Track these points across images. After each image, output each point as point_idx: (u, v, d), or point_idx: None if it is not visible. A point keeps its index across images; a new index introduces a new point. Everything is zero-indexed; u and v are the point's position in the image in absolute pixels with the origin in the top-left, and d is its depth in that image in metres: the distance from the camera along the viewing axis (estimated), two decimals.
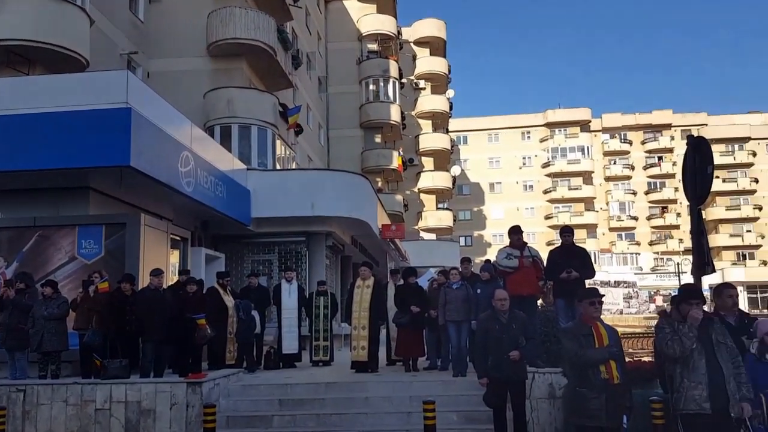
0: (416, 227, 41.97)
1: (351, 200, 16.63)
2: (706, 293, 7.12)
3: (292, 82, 23.23)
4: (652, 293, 55.50)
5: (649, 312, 47.48)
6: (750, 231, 62.57)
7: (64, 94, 10.17)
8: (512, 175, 65.96)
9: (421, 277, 14.30)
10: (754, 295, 54.40)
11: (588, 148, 64.82)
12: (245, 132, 18.95)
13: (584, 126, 65.53)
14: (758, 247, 62.19)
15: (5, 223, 10.47)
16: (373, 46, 36.44)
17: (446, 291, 9.84)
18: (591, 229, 62.89)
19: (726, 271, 52.84)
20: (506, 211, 63.27)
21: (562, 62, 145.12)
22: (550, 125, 65.87)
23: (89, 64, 14.11)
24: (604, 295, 6.13)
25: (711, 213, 59.95)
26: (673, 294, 9.06)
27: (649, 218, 66.29)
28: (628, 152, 67.43)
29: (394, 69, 36.01)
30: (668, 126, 66.79)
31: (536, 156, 66.11)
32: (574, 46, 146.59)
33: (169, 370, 9.47)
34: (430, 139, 43.72)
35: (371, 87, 35.38)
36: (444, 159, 45.48)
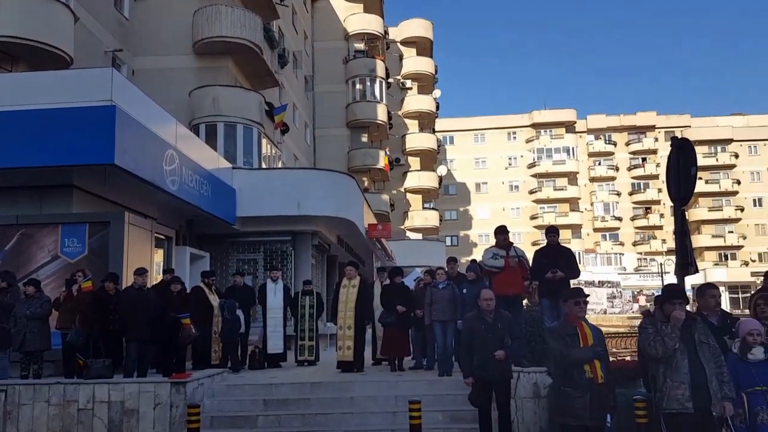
0: (402, 227, 42.01)
1: (337, 200, 16.61)
2: (689, 293, 7.19)
3: (278, 81, 23.16)
4: (636, 293, 55.95)
5: (633, 312, 47.83)
6: (732, 232, 63.31)
7: (47, 91, 10.08)
8: (498, 176, 66.28)
9: (407, 276, 14.34)
10: (736, 296, 55.01)
11: (573, 149, 65.29)
12: (231, 130, 18.85)
13: (569, 127, 65.99)
14: (740, 247, 62.95)
15: None
16: (360, 46, 36.43)
17: (432, 291, 9.85)
18: (576, 229, 63.38)
19: (708, 271, 53.41)
20: (492, 211, 63.54)
21: (547, 63, 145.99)
22: (535, 126, 66.26)
23: (73, 62, 13.98)
24: (588, 295, 6.17)
25: (694, 214, 60.56)
26: (656, 294, 9.16)
27: (632, 219, 66.88)
28: (612, 153, 67.98)
29: (380, 69, 36.01)
30: (652, 127, 67.43)
31: (522, 156, 66.47)
32: (560, 47, 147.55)
33: (152, 370, 9.41)
34: (417, 139, 43.78)
35: (358, 86, 35.36)
36: (430, 159, 45.57)
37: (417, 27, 44.85)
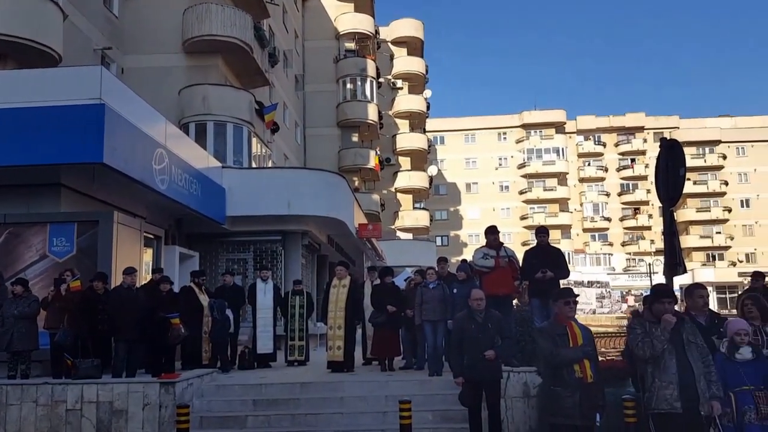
0: (393, 227, 42.03)
1: (328, 199, 16.59)
2: (677, 293, 7.23)
3: (268, 80, 23.11)
4: (624, 293, 56.25)
5: (621, 312, 48.09)
6: (720, 232, 63.78)
7: (36, 90, 9.99)
8: (488, 176, 66.45)
9: (397, 276, 14.33)
10: (723, 296, 55.41)
11: (563, 149, 65.56)
12: (221, 129, 18.78)
13: (559, 128, 66.26)
14: (727, 248, 63.43)
15: None
16: (351, 45, 36.40)
17: (423, 291, 9.86)
18: (565, 229, 63.64)
19: (696, 271, 53.79)
20: (482, 211, 63.69)
21: (537, 65, 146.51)
22: (525, 126, 66.47)
23: (62, 60, 13.88)
24: (578, 295, 6.20)
25: (682, 215, 60.94)
26: (644, 294, 9.21)
27: (621, 219, 67.24)
28: (601, 154, 68.29)
29: (371, 68, 36.00)
30: (641, 129, 67.78)
31: (512, 157, 66.68)
32: (550, 49, 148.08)
33: (141, 370, 9.36)
34: (407, 139, 43.82)
35: (348, 86, 35.33)
36: (421, 159, 45.62)
37: (408, 27, 44.90)
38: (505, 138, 67.40)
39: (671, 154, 7.31)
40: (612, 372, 7.32)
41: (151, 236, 12.60)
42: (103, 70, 10.45)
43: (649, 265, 52.81)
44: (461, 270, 9.96)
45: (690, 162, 55.30)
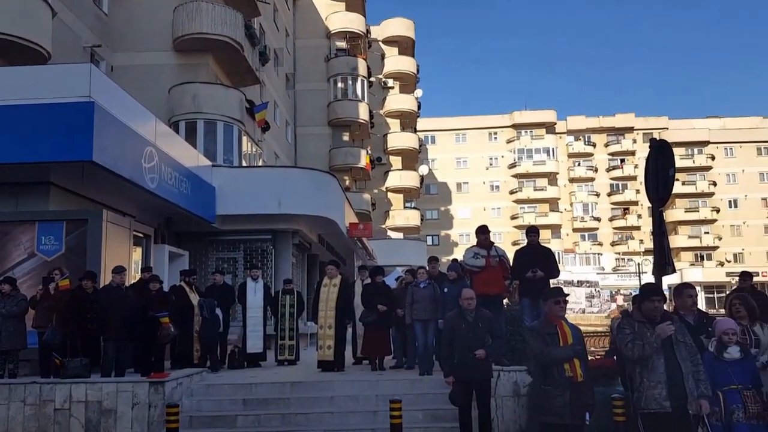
0: (384, 226, 42.04)
1: (318, 198, 16.56)
2: (666, 293, 7.26)
3: (259, 79, 23.04)
4: (614, 293, 56.56)
5: (610, 310, 48.37)
6: (708, 233, 64.21)
7: (24, 87, 9.90)
8: (479, 176, 66.58)
9: (388, 276, 14.34)
10: (711, 295, 55.79)
11: (553, 149, 65.81)
12: (211, 128, 18.71)
13: (550, 128, 66.50)
14: (715, 248, 63.88)
15: None
16: (342, 44, 36.35)
17: (413, 290, 9.87)
18: (555, 229, 63.88)
19: (684, 271, 54.13)
20: (473, 211, 63.83)
21: (528, 65, 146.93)
22: (516, 126, 66.66)
23: (51, 57, 13.77)
24: (568, 295, 6.22)
25: (670, 215, 61.28)
26: (633, 293, 9.25)
27: (611, 219, 67.56)
28: (591, 154, 68.59)
29: (362, 67, 35.97)
30: (630, 129, 68.12)
31: (503, 157, 66.85)
32: (540, 50, 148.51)
33: (130, 370, 9.31)
34: (398, 139, 43.82)
35: (339, 85, 35.28)
36: (412, 158, 45.64)
37: (399, 26, 44.89)
38: (495, 138, 67.57)
39: (661, 155, 7.34)
40: (601, 371, 7.35)
41: (141, 235, 12.54)
42: (92, 67, 10.37)
43: (638, 264, 53.12)
44: (452, 269, 9.98)
45: (679, 162, 55.30)
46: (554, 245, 56.92)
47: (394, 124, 44.24)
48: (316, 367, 10.79)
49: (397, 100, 44.15)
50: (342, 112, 34.94)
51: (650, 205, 7.53)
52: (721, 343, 5.53)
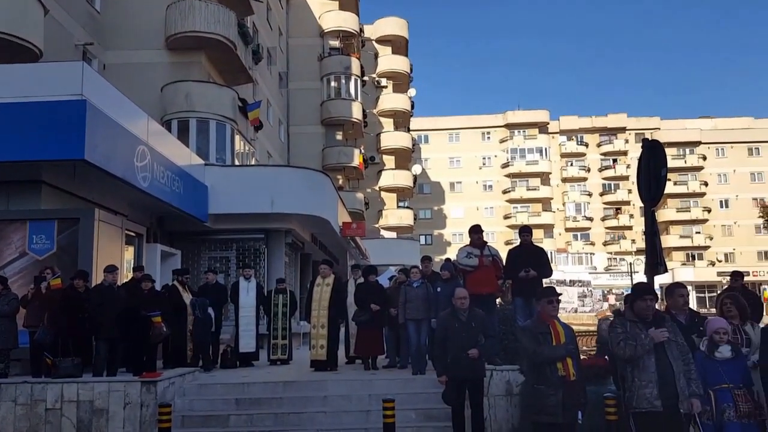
0: (377, 225, 42.02)
1: (311, 197, 16.55)
2: (658, 292, 7.30)
3: (252, 77, 22.98)
4: (606, 292, 56.72)
5: (602, 309, 48.49)
6: (699, 232, 64.53)
7: (16, 85, 9.85)
8: (472, 175, 66.70)
9: (381, 275, 14.34)
10: (702, 295, 56.09)
11: (546, 149, 66.02)
12: (203, 127, 18.65)
13: (542, 128, 66.72)
14: (707, 248, 64.20)
15: None
16: (335, 43, 36.31)
17: (406, 289, 9.87)
18: (548, 229, 64.11)
19: (676, 271, 54.38)
20: (466, 210, 63.97)
21: (521, 65, 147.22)
22: (509, 126, 66.85)
23: (43, 55, 13.70)
24: (561, 294, 6.24)
25: (662, 215, 61.56)
26: (625, 293, 9.28)
27: (603, 219, 67.81)
28: (584, 154, 68.82)
29: (355, 66, 35.95)
30: (623, 129, 68.39)
31: (496, 156, 67.02)
32: (534, 49, 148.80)
33: (122, 369, 9.27)
34: (392, 138, 43.82)
35: (333, 84, 35.25)
36: (405, 158, 45.64)
37: (392, 25, 44.87)
38: (488, 137, 67.72)
39: (653, 155, 7.38)
40: (594, 370, 7.38)
41: (133, 234, 12.50)
42: (84, 65, 10.33)
43: (630, 264, 53.34)
44: (445, 269, 9.99)
45: (670, 162, 55.59)
46: (547, 245, 57.09)
47: (388, 123, 44.24)
48: (309, 366, 10.77)
49: (391, 100, 44.15)
50: (335, 111, 34.90)
51: (642, 204, 7.57)
52: (713, 343, 5.56)
